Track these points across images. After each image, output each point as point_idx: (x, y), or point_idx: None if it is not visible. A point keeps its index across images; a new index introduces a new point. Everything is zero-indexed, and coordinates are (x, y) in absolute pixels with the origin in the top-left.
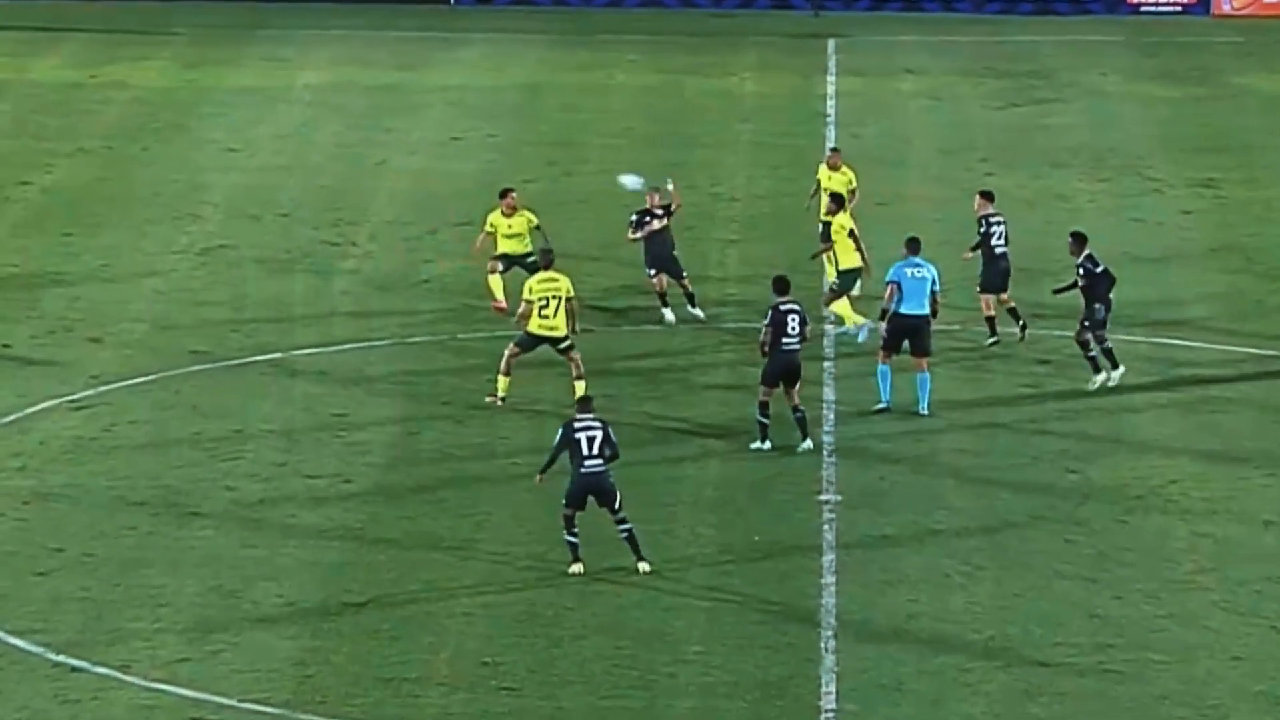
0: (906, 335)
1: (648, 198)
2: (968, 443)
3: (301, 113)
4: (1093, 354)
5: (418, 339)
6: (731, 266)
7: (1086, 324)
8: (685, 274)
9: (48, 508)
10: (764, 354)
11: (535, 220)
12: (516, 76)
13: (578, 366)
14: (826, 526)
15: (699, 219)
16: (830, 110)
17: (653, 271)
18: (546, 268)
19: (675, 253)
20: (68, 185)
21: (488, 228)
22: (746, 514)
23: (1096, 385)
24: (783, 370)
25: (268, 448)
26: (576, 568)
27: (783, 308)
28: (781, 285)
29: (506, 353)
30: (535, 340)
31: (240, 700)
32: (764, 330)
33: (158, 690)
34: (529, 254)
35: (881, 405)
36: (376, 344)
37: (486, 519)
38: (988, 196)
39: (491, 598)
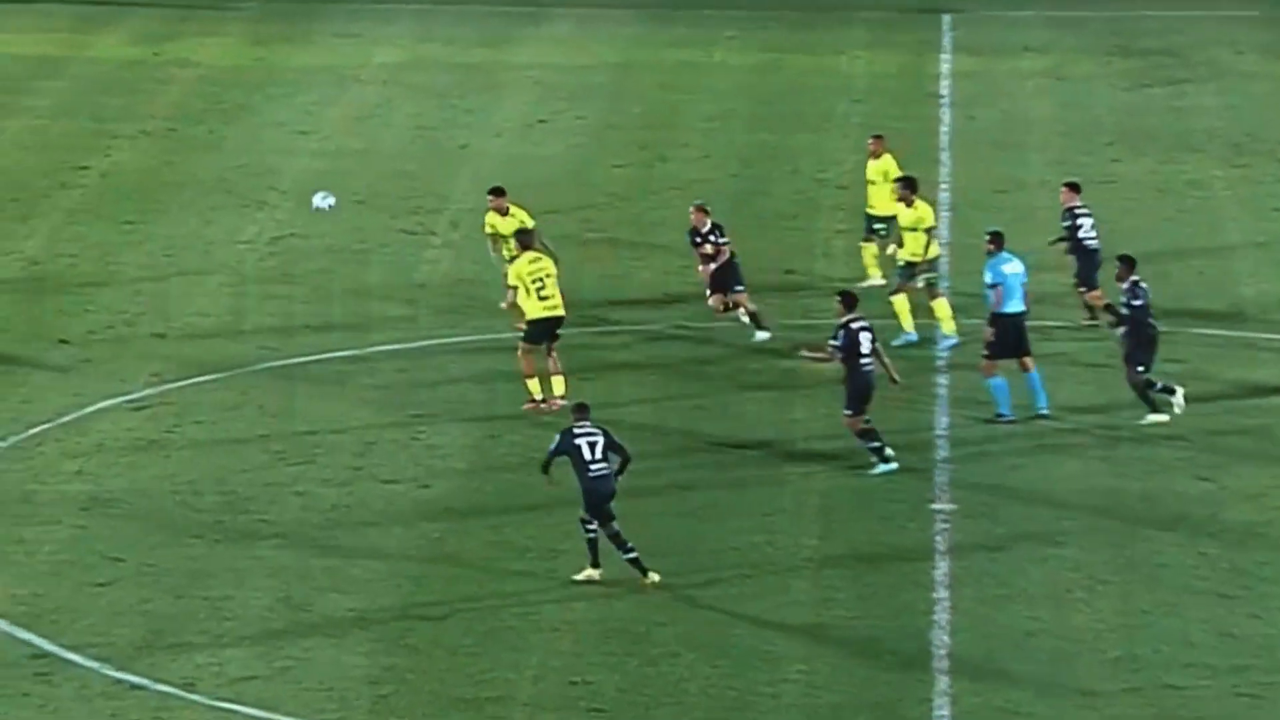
0: (1013, 336)
1: (694, 215)
2: (1088, 449)
3: (377, 93)
4: (1152, 392)
5: (501, 335)
6: (838, 259)
7: (1136, 366)
8: (742, 288)
9: (106, 514)
10: (815, 360)
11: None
12: (607, 55)
13: (556, 362)
14: (939, 537)
15: (803, 207)
16: (944, 91)
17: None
18: (528, 248)
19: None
20: (128, 170)
21: (488, 230)
22: (852, 524)
23: (1151, 420)
24: (868, 392)
25: (341, 451)
26: (590, 574)
27: (854, 325)
28: (851, 301)
29: (520, 356)
30: (542, 326)
31: (313, 719)
32: (830, 350)
33: (223, 709)
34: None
35: (1006, 417)
36: (458, 340)
37: (572, 528)
38: (1074, 188)
39: (579, 612)
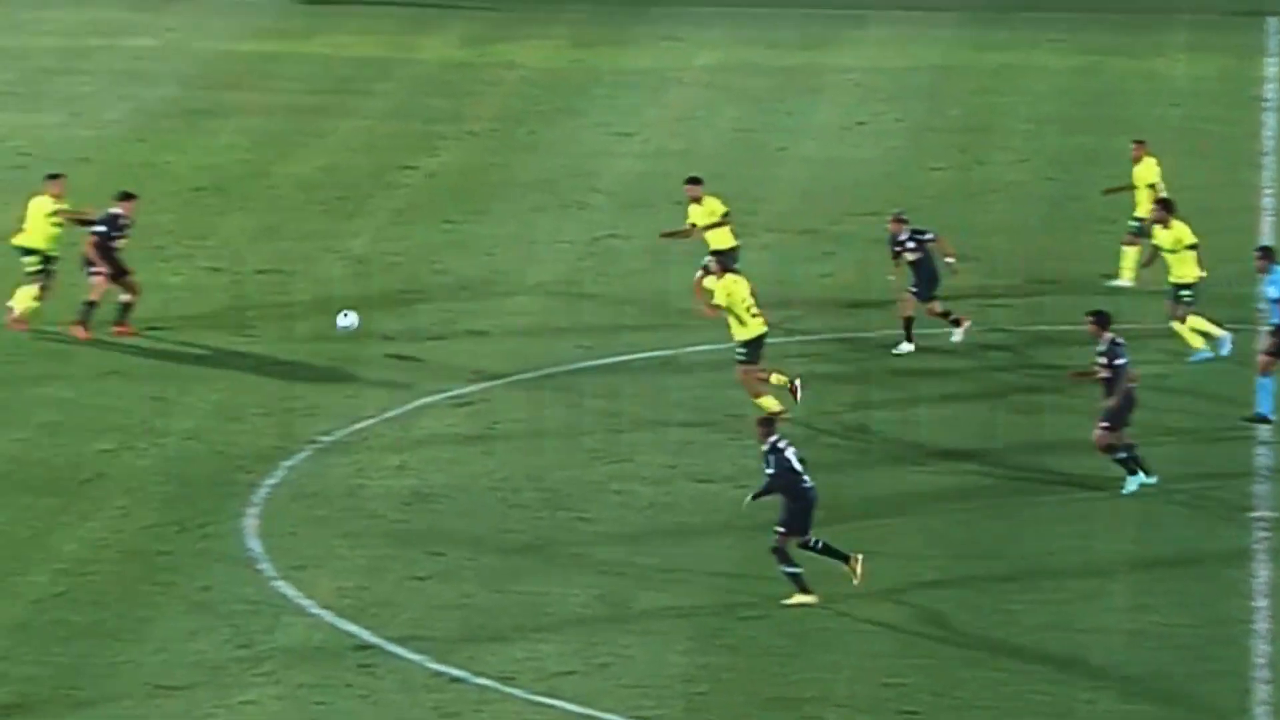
0: None
1: (891, 225)
2: None
3: (698, 95)
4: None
5: (813, 336)
6: (1158, 266)
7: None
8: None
9: (428, 509)
10: (1085, 378)
11: None
12: (927, 57)
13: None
14: (1259, 544)
15: (1125, 212)
16: (1269, 95)
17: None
18: (729, 270)
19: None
20: (452, 170)
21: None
22: (1169, 531)
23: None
24: (1129, 409)
25: (657, 450)
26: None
27: (1119, 342)
28: (1105, 320)
29: (745, 378)
30: (760, 343)
31: (629, 716)
32: (1100, 366)
33: (542, 704)
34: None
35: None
36: (773, 342)
37: (890, 529)
38: None
39: (893, 614)
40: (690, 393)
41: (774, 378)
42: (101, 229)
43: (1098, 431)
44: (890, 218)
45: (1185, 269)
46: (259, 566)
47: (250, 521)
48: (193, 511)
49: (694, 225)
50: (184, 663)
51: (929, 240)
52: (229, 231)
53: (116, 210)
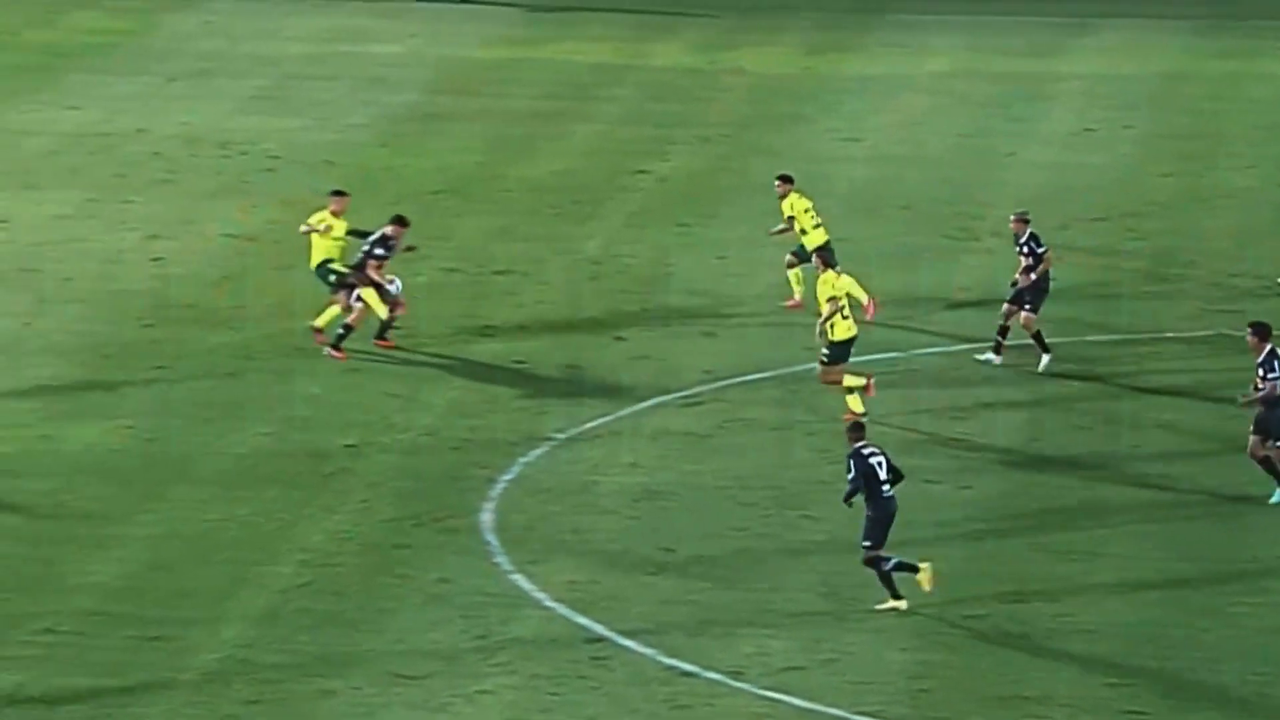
0: None
1: (1013, 225)
2: None
3: (926, 101)
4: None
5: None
6: None
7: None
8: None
9: (658, 507)
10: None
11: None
12: (1156, 64)
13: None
14: None
15: None
16: None
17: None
18: (830, 265)
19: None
20: (684, 175)
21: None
22: None
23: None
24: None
25: (887, 450)
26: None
27: (1278, 354)
28: (1265, 332)
29: (827, 377)
30: (847, 347)
31: (853, 712)
32: (1265, 383)
33: (770, 698)
34: None
35: None
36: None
37: (1112, 533)
38: None
39: (1118, 615)
40: (918, 393)
41: (848, 379)
42: (371, 248)
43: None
44: (1013, 217)
45: None
46: (495, 560)
47: (486, 516)
48: (431, 506)
49: (792, 219)
50: (422, 652)
51: (1043, 252)
52: (466, 233)
53: (387, 230)
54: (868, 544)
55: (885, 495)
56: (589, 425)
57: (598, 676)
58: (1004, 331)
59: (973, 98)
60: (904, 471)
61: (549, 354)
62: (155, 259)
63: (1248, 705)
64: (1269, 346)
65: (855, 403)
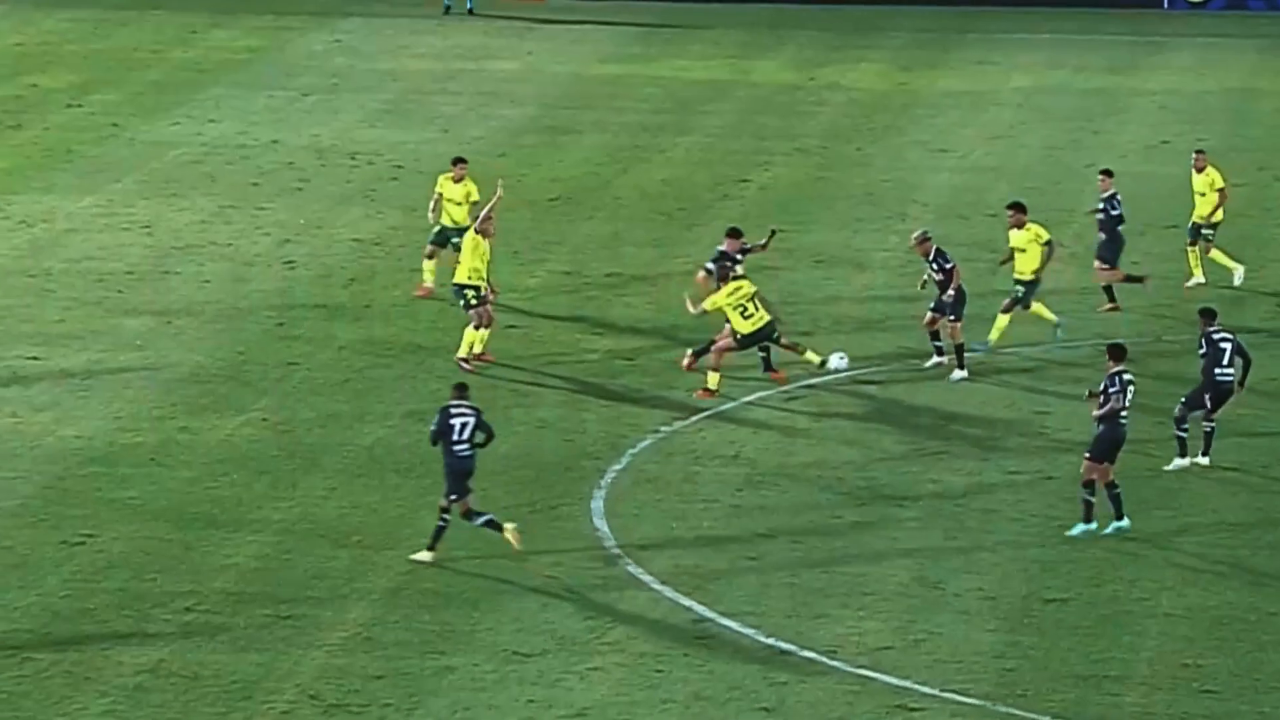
0: None
1: (917, 247)
2: None
3: (1011, 115)
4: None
5: (1120, 340)
6: None
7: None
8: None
9: (759, 495)
10: (1098, 420)
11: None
12: (1228, 80)
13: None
14: None
15: None
16: None
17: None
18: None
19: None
20: (783, 184)
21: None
22: None
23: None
24: (1115, 445)
25: (970, 443)
26: (425, 556)
27: (1125, 376)
28: (1119, 352)
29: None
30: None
31: (942, 690)
32: (1102, 394)
33: (863, 676)
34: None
35: None
36: (1080, 343)
37: (1188, 520)
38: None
39: (1192, 599)
40: (1001, 389)
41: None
42: (712, 267)
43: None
44: (914, 241)
45: None
46: (604, 545)
47: (596, 503)
48: (545, 494)
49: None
50: (537, 631)
51: (950, 267)
52: (578, 238)
53: (723, 247)
54: (451, 496)
55: (456, 453)
56: (693, 419)
57: (701, 655)
58: (935, 336)
59: (1054, 112)
60: (991, 464)
61: (656, 351)
62: (287, 262)
63: None
64: (1120, 368)
65: (713, 380)
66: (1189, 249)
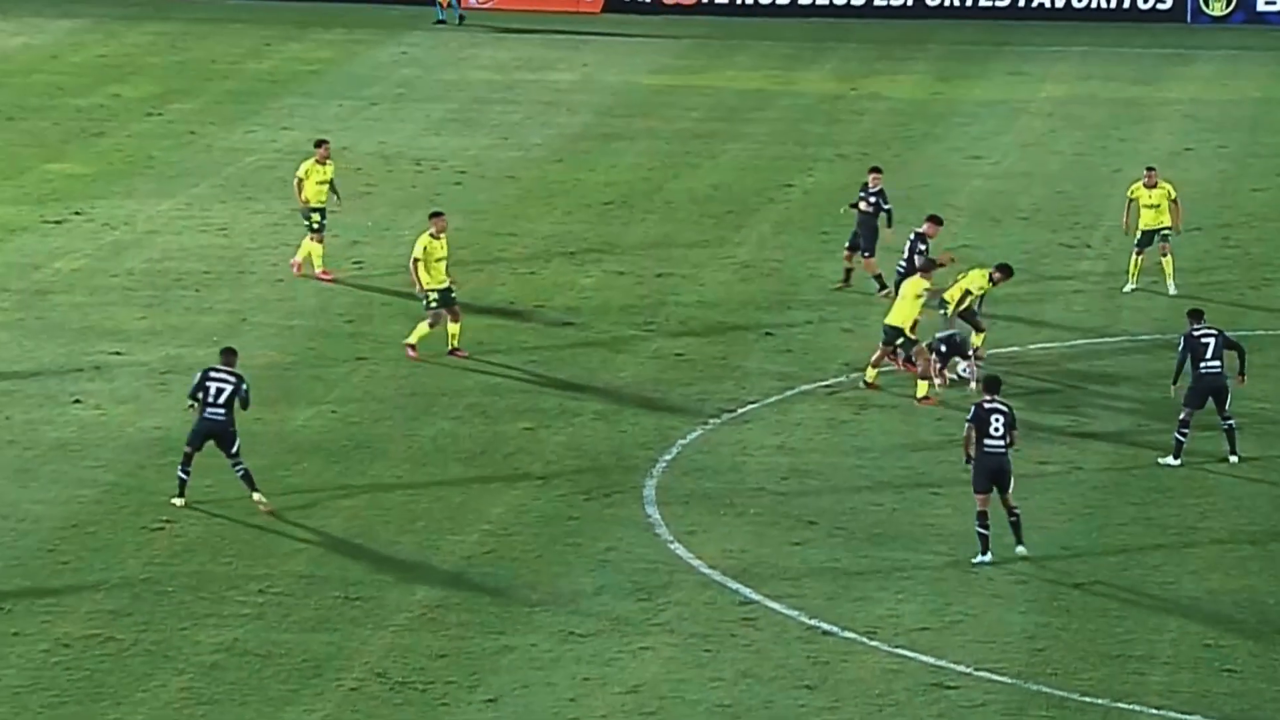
0: None
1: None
2: None
3: (1043, 123)
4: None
5: (1146, 336)
6: None
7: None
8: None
9: (803, 484)
10: (967, 458)
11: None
12: (1249, 90)
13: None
14: None
15: None
16: None
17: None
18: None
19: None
20: (826, 188)
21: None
22: None
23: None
24: (989, 474)
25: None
26: (178, 501)
27: (987, 405)
28: (993, 385)
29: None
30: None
31: (976, 668)
32: (966, 427)
33: (901, 655)
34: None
35: None
36: (1108, 340)
37: (1211, 507)
38: None
39: (1214, 583)
40: (1033, 383)
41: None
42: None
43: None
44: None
45: None
46: (656, 531)
47: (649, 491)
48: (599, 482)
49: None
50: (591, 613)
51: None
52: (632, 239)
53: (922, 230)
54: (187, 447)
55: (206, 416)
56: (740, 411)
57: (747, 635)
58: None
59: (1084, 120)
60: (1022, 455)
61: (705, 347)
62: (356, 262)
63: None
64: (988, 400)
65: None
66: (1134, 256)
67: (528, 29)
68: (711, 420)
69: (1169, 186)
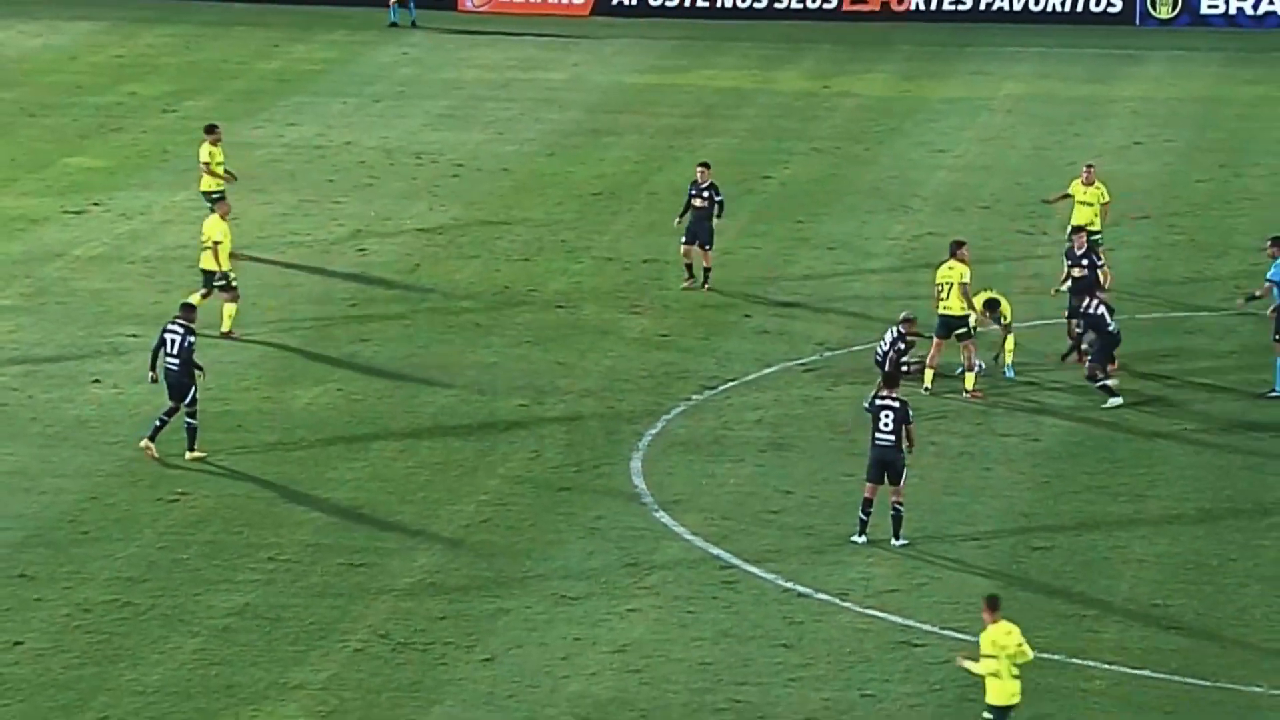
0: None
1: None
2: None
3: (1002, 120)
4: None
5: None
6: None
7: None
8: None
9: (780, 456)
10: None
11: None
12: (1194, 89)
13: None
14: None
15: None
16: None
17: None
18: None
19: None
20: (801, 180)
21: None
22: None
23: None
24: (878, 465)
25: (967, 412)
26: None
27: (879, 402)
28: (892, 380)
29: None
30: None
31: (941, 627)
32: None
33: (871, 616)
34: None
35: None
36: (1062, 321)
37: (1159, 477)
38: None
39: (1162, 547)
40: (993, 360)
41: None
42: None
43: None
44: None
45: None
46: (642, 500)
47: (635, 464)
48: (589, 455)
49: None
50: (582, 577)
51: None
52: (619, 228)
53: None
54: (172, 404)
55: (167, 366)
56: (721, 388)
57: (728, 597)
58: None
59: (1041, 117)
60: (985, 428)
61: (688, 329)
62: (359, 249)
63: (1269, 622)
64: (880, 393)
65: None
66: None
67: (521, 31)
68: (694, 397)
69: (1103, 188)
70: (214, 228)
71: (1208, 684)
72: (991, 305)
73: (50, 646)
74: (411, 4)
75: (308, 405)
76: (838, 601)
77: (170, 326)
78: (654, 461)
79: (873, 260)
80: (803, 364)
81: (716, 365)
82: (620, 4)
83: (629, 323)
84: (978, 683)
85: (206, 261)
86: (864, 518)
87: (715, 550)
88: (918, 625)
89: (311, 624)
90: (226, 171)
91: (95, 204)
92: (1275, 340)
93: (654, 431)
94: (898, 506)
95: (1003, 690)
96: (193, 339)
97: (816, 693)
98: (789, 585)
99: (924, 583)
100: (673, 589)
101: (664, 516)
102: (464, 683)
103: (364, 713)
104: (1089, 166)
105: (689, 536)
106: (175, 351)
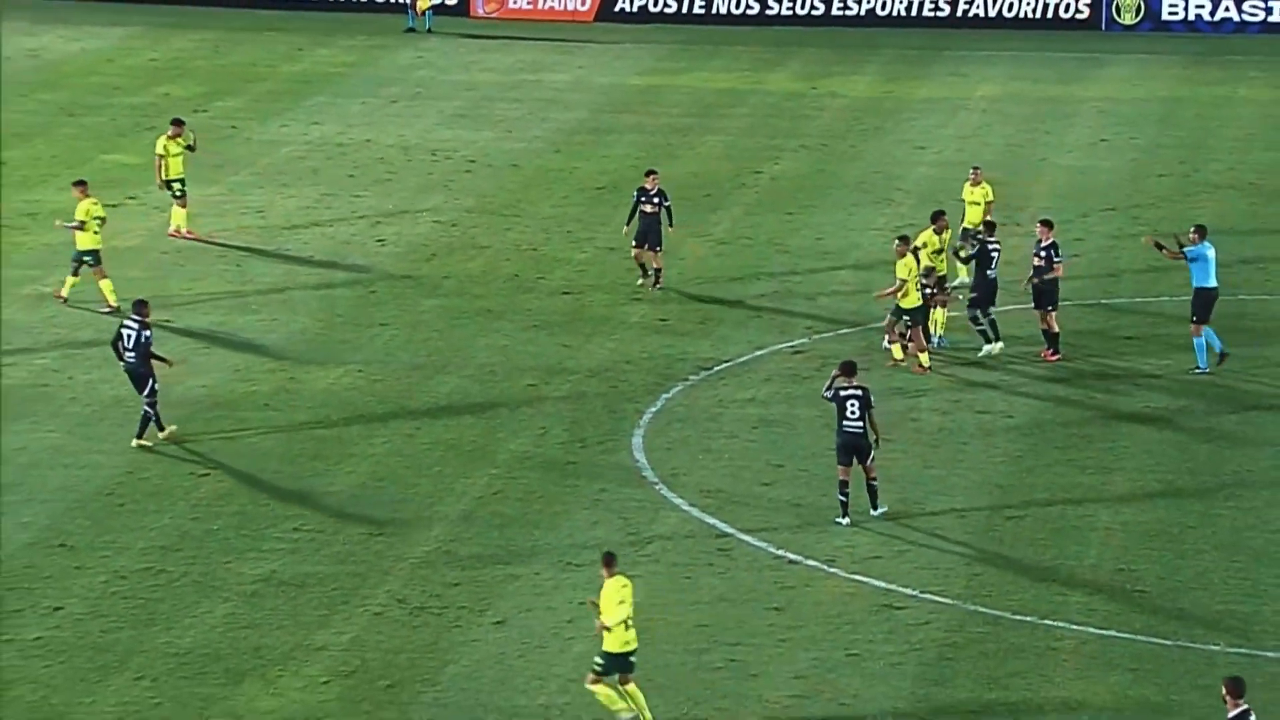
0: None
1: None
2: None
3: (978, 118)
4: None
5: (1069, 301)
6: None
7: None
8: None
9: (771, 432)
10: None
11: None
12: (1157, 90)
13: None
14: None
15: None
16: None
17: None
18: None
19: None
20: (791, 175)
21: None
22: None
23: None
24: (847, 450)
25: (945, 389)
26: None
27: (844, 392)
28: (849, 369)
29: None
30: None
31: (922, 592)
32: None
33: (856, 581)
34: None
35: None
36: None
37: (1124, 451)
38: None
39: (1127, 516)
40: (973, 345)
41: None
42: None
43: None
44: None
45: None
46: (643, 474)
47: (636, 439)
48: (593, 432)
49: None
50: (586, 545)
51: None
52: (621, 221)
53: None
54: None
55: (125, 359)
56: (717, 369)
57: (723, 564)
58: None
59: (1013, 116)
60: (963, 404)
61: (686, 314)
62: (378, 240)
63: (1226, 585)
64: (844, 384)
65: (897, 351)
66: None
67: (529, 36)
68: (691, 377)
69: (988, 188)
70: (87, 211)
71: (1169, 643)
72: (929, 272)
73: (89, 611)
74: (429, 13)
75: (330, 386)
76: (825, 568)
77: (126, 323)
78: (654, 438)
79: (858, 250)
80: (792, 346)
81: (712, 348)
82: (622, 10)
83: (630, 309)
84: (957, 642)
85: (85, 242)
86: (843, 499)
87: (711, 520)
88: (899, 589)
89: (334, 590)
90: (187, 148)
91: (130, 198)
92: (1193, 321)
93: (654, 410)
94: (872, 482)
95: (618, 639)
96: (148, 333)
97: (806, 652)
98: (780, 552)
99: (905, 550)
100: (671, 556)
101: (663, 489)
102: (477, 644)
103: (384, 672)
104: (975, 169)
105: (686, 508)
106: (131, 346)
